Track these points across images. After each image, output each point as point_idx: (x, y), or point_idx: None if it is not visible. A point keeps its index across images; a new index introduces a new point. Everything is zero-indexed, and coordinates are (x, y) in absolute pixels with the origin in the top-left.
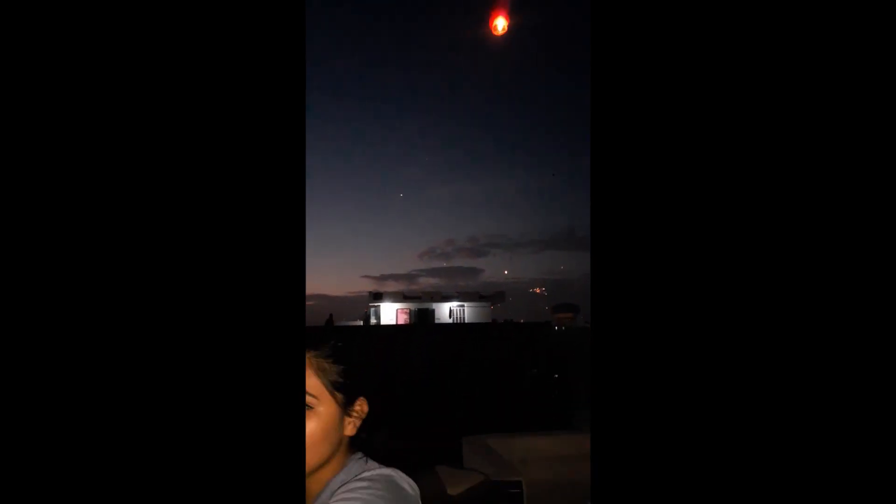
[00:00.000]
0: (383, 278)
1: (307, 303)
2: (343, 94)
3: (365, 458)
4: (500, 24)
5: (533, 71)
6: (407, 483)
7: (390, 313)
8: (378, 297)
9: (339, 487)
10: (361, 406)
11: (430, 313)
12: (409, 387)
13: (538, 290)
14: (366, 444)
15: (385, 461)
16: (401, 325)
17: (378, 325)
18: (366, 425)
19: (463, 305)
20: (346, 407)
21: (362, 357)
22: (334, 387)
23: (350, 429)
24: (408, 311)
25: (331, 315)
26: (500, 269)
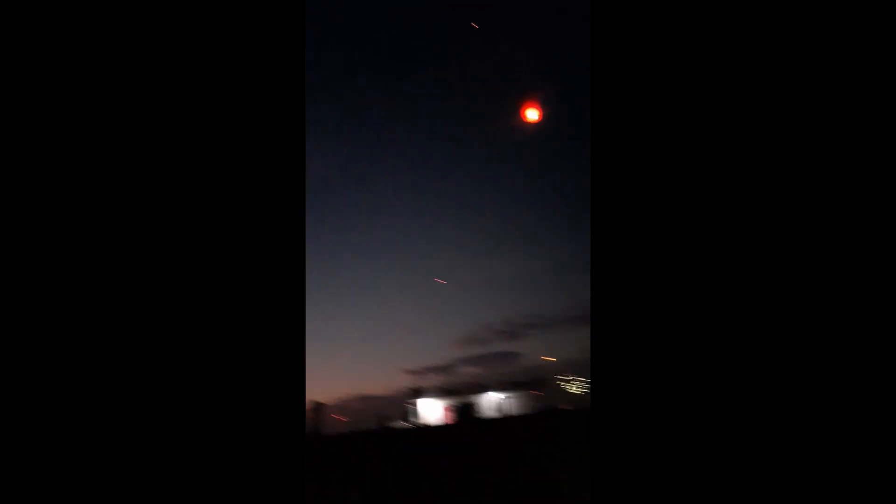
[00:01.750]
0: (424, 371)
1: (355, 406)
2: (370, 183)
3: None
4: (532, 114)
5: (564, 148)
6: None
7: (433, 410)
8: (417, 393)
9: None
10: None
11: (474, 408)
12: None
13: None
14: None
15: None
16: (447, 425)
17: (425, 427)
18: None
19: (510, 396)
20: None
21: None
22: None
23: None
24: (452, 407)
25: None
26: (537, 351)
